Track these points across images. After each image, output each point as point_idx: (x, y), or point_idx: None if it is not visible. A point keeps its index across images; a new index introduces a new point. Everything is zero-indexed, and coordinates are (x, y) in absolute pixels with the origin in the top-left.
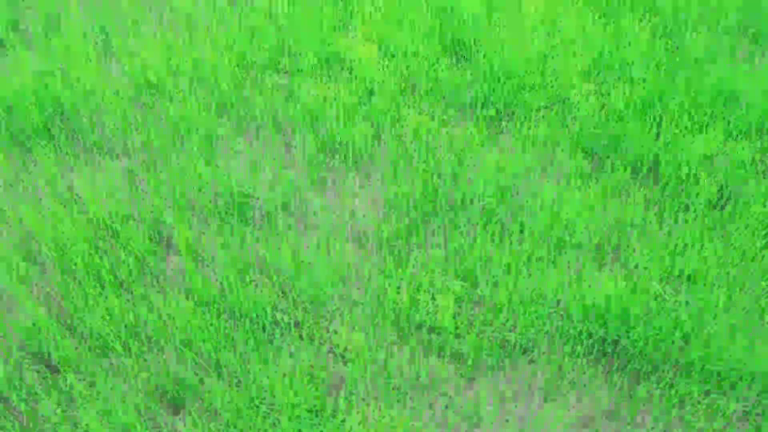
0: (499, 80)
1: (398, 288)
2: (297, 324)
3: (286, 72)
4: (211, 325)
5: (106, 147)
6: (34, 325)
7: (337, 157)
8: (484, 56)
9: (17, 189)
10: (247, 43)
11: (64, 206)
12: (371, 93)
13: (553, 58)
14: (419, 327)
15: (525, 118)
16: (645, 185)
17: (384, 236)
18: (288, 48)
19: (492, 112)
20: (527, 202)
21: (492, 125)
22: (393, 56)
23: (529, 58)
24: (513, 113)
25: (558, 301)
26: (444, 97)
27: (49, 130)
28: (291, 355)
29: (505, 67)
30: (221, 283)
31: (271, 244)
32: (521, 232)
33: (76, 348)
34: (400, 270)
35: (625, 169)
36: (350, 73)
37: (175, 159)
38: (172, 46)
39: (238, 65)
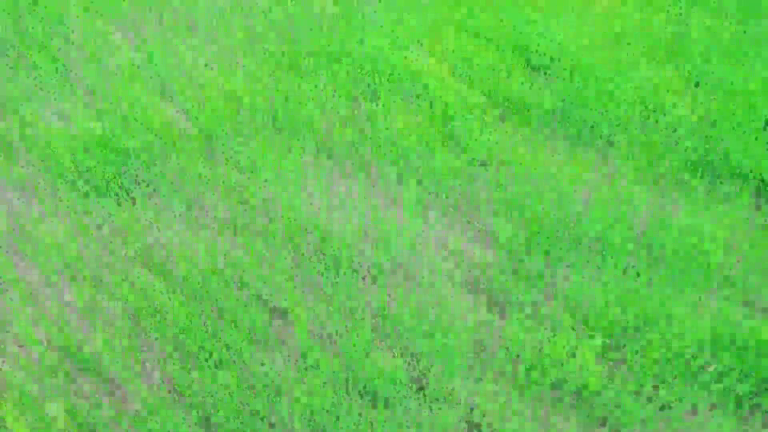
0: (584, 92)
1: (530, 344)
2: (426, 389)
3: (356, 99)
4: (342, 404)
5: (187, 199)
6: (153, 416)
7: (431, 191)
8: (566, 69)
9: (98, 249)
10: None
11: (155, 270)
12: (452, 117)
13: (638, 64)
14: (558, 386)
15: (625, 135)
16: (764, 204)
17: (502, 284)
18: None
19: (597, 135)
20: (651, 233)
21: (590, 144)
22: (465, 66)
23: (614, 67)
24: (609, 134)
25: (713, 355)
26: (537, 121)
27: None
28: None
29: (591, 79)
30: (342, 352)
31: (381, 297)
32: (654, 268)
33: None
34: (528, 323)
35: (746, 187)
36: (420, 98)
37: (260, 199)
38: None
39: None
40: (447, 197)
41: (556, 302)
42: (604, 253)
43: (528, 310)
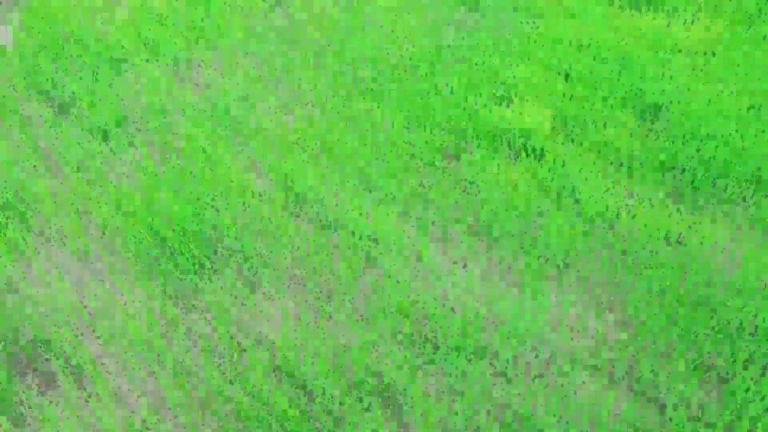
0: (700, 145)
1: None
2: None
3: (456, 158)
4: None
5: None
6: None
7: (548, 258)
8: (678, 117)
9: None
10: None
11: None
12: (559, 171)
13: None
14: None
15: (756, 191)
16: None
17: (649, 373)
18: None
19: (724, 192)
20: None
21: (717, 202)
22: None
23: (734, 117)
24: (738, 190)
25: None
26: (652, 174)
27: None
28: None
29: (705, 127)
30: None
31: (514, 390)
32: None
33: None
34: (693, 425)
35: None
36: (523, 152)
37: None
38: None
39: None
40: (567, 266)
41: (718, 404)
42: (761, 333)
43: (684, 403)
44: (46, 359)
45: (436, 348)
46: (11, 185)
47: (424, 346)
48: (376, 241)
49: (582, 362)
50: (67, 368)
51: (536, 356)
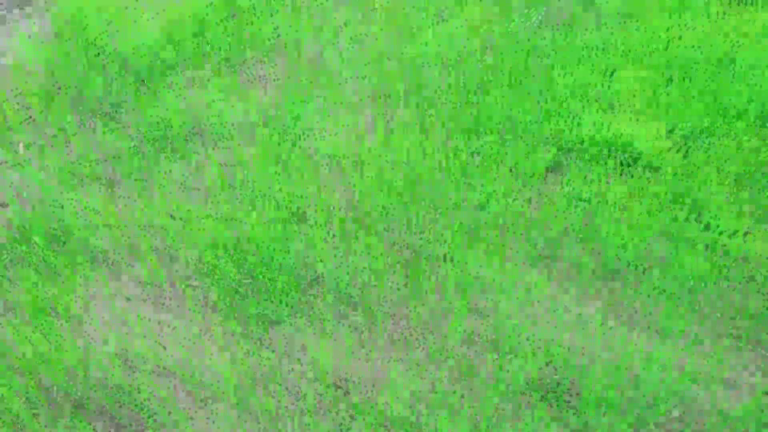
0: None
1: None
2: None
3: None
4: None
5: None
6: None
7: (678, 300)
8: None
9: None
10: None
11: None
12: (681, 194)
13: None
14: None
15: None
16: None
17: None
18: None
19: None
20: None
21: None
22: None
23: None
24: None
25: None
26: None
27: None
28: None
29: None
30: None
31: None
32: None
33: None
34: None
35: None
36: (637, 167)
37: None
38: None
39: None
40: (695, 301)
41: None
42: None
43: None
44: (122, 409)
45: (555, 395)
46: (57, 204)
47: (550, 397)
48: (465, 270)
49: (727, 419)
50: (149, 420)
51: (676, 417)
